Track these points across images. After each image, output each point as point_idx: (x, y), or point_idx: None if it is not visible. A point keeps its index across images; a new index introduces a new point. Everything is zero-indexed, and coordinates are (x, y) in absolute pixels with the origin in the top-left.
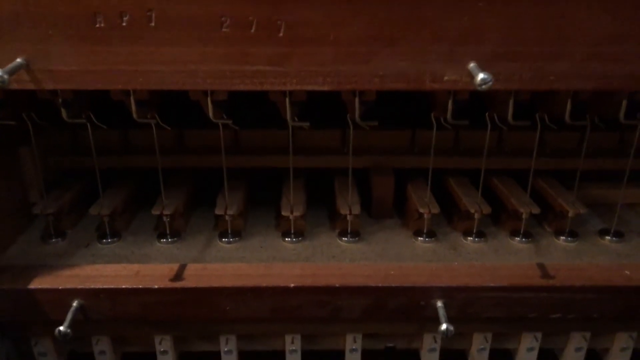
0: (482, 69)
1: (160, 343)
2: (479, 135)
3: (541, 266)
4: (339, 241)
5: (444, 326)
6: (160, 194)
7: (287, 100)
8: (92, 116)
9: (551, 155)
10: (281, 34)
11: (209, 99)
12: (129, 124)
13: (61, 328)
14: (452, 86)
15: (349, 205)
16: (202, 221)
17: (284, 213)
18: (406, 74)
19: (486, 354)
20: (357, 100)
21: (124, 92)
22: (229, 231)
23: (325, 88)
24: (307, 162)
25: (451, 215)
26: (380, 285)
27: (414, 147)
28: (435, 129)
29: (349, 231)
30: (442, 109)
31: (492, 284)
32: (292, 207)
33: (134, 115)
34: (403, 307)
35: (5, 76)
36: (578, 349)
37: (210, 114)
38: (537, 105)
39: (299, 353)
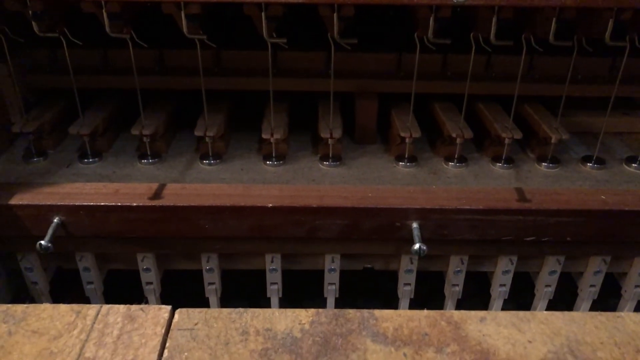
0: None
1: (142, 260)
2: (466, 60)
3: (519, 190)
4: (320, 165)
5: (416, 245)
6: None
7: (263, 14)
8: (66, 31)
9: (540, 81)
10: None
11: (182, 13)
12: (109, 44)
13: (42, 242)
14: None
15: (330, 129)
16: (184, 143)
17: (264, 136)
18: None
19: (462, 276)
20: (335, 15)
21: (95, 3)
22: (210, 153)
23: (301, 0)
24: (290, 84)
25: (435, 140)
26: (357, 206)
27: (400, 71)
28: (418, 49)
29: (330, 155)
30: (425, 27)
31: (467, 207)
32: (273, 130)
33: (107, 29)
34: (379, 228)
35: None
36: (552, 272)
37: (185, 29)
38: (523, 27)
39: (279, 272)
